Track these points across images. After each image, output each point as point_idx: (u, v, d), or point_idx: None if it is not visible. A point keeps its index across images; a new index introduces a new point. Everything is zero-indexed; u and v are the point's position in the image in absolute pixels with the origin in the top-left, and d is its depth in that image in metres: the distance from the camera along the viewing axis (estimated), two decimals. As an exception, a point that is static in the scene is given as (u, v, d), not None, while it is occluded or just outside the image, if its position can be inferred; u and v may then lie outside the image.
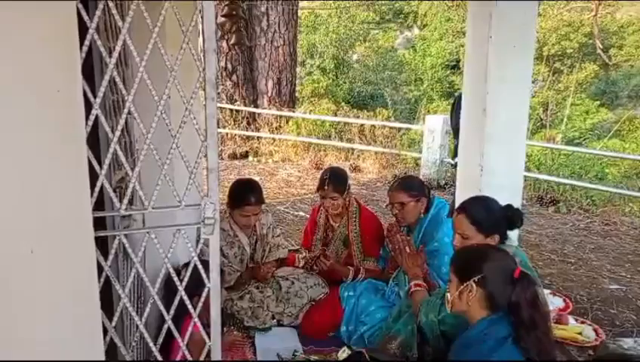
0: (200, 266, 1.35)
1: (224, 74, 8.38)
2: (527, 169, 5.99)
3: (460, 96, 3.92)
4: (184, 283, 1.36)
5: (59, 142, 1.04)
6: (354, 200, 3.13)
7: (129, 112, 1.28)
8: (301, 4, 12.46)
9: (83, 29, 1.09)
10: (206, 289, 1.36)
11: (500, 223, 2.15)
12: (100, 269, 1.24)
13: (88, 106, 1.16)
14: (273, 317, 2.87)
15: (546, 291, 2.81)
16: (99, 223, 1.24)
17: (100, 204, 1.39)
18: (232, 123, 8.44)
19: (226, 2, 7.99)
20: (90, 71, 1.63)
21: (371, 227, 3.10)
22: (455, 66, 14.29)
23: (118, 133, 1.21)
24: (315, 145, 8.06)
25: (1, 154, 0.95)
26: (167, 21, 1.27)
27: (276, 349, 2.54)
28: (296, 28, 8.97)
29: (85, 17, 1.11)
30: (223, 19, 8.00)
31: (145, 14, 1.20)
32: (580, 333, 2.79)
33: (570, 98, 10.27)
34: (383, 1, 17.38)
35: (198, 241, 1.41)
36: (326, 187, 2.96)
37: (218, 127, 1.38)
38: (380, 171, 7.30)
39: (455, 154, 3.93)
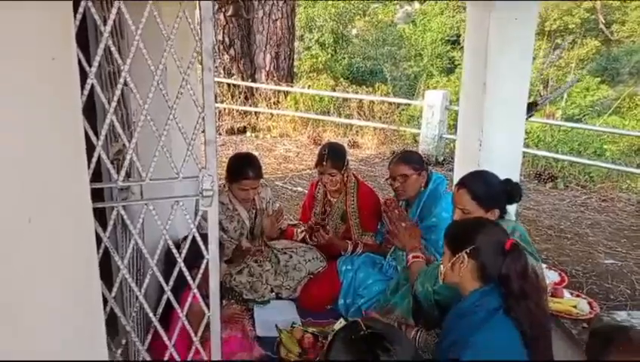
0: (199, 238, 1.35)
1: (221, 47, 8.27)
2: (526, 145, 5.98)
3: None
4: (183, 255, 1.37)
5: (55, 110, 1.02)
6: (352, 176, 3.13)
7: (125, 83, 1.26)
8: (300, -24, 12.23)
9: (77, -3, 1.07)
10: (205, 261, 1.36)
11: (499, 198, 2.16)
12: (99, 242, 1.24)
13: (84, 77, 1.14)
14: (272, 291, 2.90)
15: (542, 265, 2.84)
16: (97, 196, 1.24)
17: (97, 177, 1.39)
18: (230, 98, 8.36)
19: (224, -27, 7.84)
20: (85, 41, 1.60)
21: (369, 202, 3.11)
22: (455, 42, 14.11)
23: (114, 104, 1.20)
24: (314, 120, 8.01)
25: (-3, 123, 0.93)
26: (163, -11, 1.24)
27: (275, 321, 2.57)
28: (294, 1, 8.83)
29: (79, -16, 1.09)
30: (220, -10, 7.86)
31: (140, -19, 1.17)
32: (574, 306, 2.83)
33: (571, 74, 10.19)
34: (383, -26, 17.06)
35: (196, 214, 1.41)
36: (324, 163, 2.96)
37: (215, 102, 1.37)
38: (379, 147, 7.28)
39: None
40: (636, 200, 5.26)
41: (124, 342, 1.41)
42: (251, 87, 8.48)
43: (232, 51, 8.34)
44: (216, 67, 7.99)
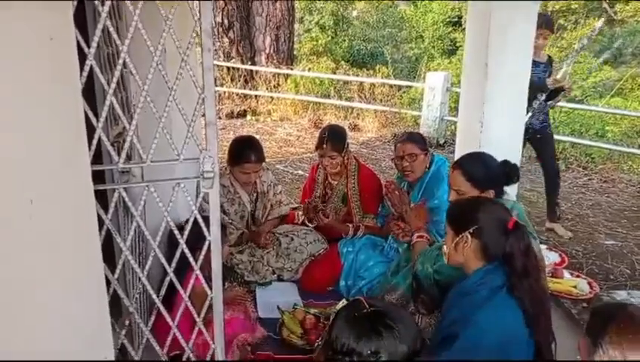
0: (200, 220, 1.35)
1: (220, 30, 8.19)
2: (527, 127, 5.95)
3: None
4: (185, 237, 1.37)
5: (54, 91, 1.02)
6: (353, 159, 3.12)
7: (124, 65, 1.25)
8: (299, -43, 12.05)
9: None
10: (207, 243, 1.37)
11: (495, 179, 2.15)
12: (101, 224, 1.25)
13: (82, 59, 1.13)
14: (273, 273, 2.92)
15: (543, 246, 2.85)
16: (98, 179, 1.24)
17: (98, 159, 1.39)
18: (230, 81, 8.32)
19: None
20: (83, 22, 1.59)
21: (370, 185, 3.11)
22: (457, 23, 13.93)
23: (113, 86, 1.19)
24: (314, 103, 7.98)
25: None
26: (161, -32, 1.22)
27: (276, 303, 2.59)
28: (294, -18, 8.73)
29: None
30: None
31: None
32: (574, 287, 2.84)
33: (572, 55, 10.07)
34: (384, -46, 16.80)
35: (197, 196, 1.41)
36: (325, 145, 2.95)
37: (215, 86, 1.36)
38: (379, 130, 7.26)
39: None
40: (637, 181, 5.26)
41: (127, 323, 1.42)
42: (251, 70, 8.43)
43: (231, 34, 8.27)
44: (215, 50, 7.93)
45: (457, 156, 3.07)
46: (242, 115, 8.12)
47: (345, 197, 3.11)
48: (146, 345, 1.43)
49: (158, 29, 1.25)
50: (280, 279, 2.93)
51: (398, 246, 2.85)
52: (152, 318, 1.45)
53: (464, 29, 6.17)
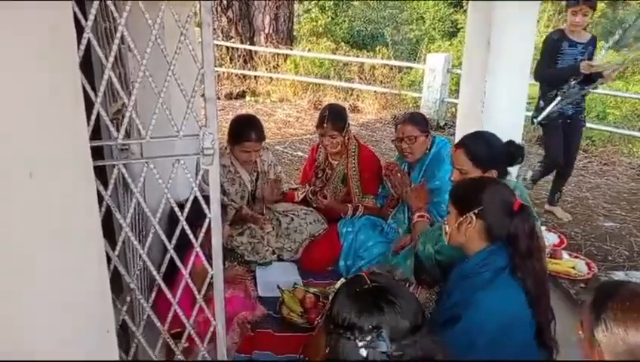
0: (200, 198, 1.35)
1: (219, 9, 8.09)
2: (528, 110, 5.91)
3: (553, 39, 3.69)
4: (185, 214, 1.37)
5: (51, 65, 1.00)
6: (353, 139, 3.11)
7: (122, 40, 1.23)
8: None
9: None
10: (207, 221, 1.36)
11: (498, 159, 2.14)
12: (100, 201, 1.24)
13: (79, 33, 1.11)
14: (273, 253, 2.92)
15: (542, 228, 2.85)
16: (97, 156, 1.23)
17: (97, 135, 1.37)
18: (229, 61, 8.24)
19: None
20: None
21: (370, 165, 3.10)
22: (458, 4, 13.75)
23: (111, 59, 1.17)
24: (314, 84, 7.92)
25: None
26: (159, -62, 1.20)
27: (276, 282, 2.60)
28: (293, -39, 8.60)
29: None
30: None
31: None
32: (573, 267, 2.86)
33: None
34: None
35: (197, 174, 1.40)
36: (325, 124, 2.93)
37: (214, 66, 1.34)
38: (379, 112, 7.22)
39: (538, 111, 3.74)
40: (637, 164, 5.26)
41: (128, 299, 1.42)
42: (250, 51, 8.35)
43: (230, 13, 8.17)
44: (214, 29, 7.83)
45: (458, 137, 3.05)
46: (241, 95, 8.06)
47: (345, 178, 3.10)
48: (147, 321, 1.44)
49: (156, 3, 1.22)
50: (280, 259, 2.94)
51: (397, 226, 2.86)
52: (153, 295, 1.45)
53: (465, 10, 6.10)
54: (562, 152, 3.72)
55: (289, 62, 8.36)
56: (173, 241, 1.37)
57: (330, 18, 12.25)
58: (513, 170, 3.28)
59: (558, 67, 3.64)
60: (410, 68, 7.98)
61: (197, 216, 1.37)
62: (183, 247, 1.41)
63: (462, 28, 11.21)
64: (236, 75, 8.20)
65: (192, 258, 1.41)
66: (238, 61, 8.27)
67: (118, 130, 1.26)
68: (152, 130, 1.26)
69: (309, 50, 8.87)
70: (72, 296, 1.11)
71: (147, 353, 1.44)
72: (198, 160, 1.32)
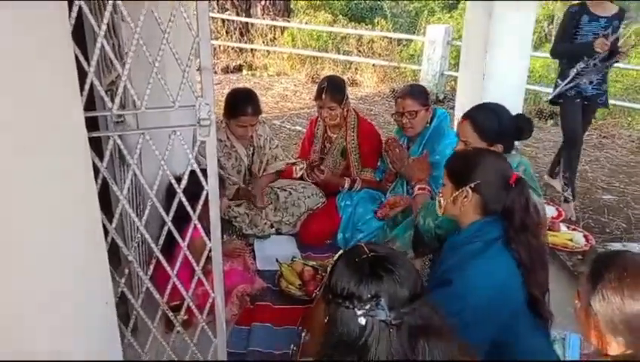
0: (198, 170, 1.33)
1: (214, -20, 7.92)
2: (527, 83, 5.87)
3: (571, 11, 3.39)
4: (183, 187, 1.35)
5: (43, 34, 0.97)
6: (352, 111, 3.07)
7: (115, 10, 1.20)
8: None
9: None
10: (204, 193, 1.35)
11: (505, 133, 2.08)
12: (96, 173, 1.22)
13: (71, 1, 1.08)
14: (272, 226, 2.92)
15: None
16: (92, 128, 1.21)
17: (91, 106, 1.35)
18: (225, 34, 8.11)
19: None
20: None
21: (370, 138, 3.07)
22: (459, -25, 13.50)
23: (104, 27, 1.14)
24: (312, 58, 7.81)
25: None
26: None
27: (275, 255, 2.61)
28: None
29: None
30: None
31: None
32: (570, 240, 2.88)
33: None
34: None
35: (194, 146, 1.38)
36: (324, 96, 2.89)
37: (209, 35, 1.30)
38: (378, 85, 7.15)
39: (565, 84, 3.39)
40: (636, 136, 5.24)
41: (126, 271, 1.42)
42: (246, 23, 8.20)
43: (225, -16, 8.00)
44: (209, 1, 7.67)
45: (458, 110, 3.03)
46: (238, 69, 7.96)
47: (344, 151, 3.08)
48: (146, 294, 1.44)
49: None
50: (278, 232, 2.95)
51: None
52: (151, 268, 1.45)
53: (466, -21, 5.97)
54: (580, 134, 3.49)
55: (286, 35, 8.23)
56: (171, 214, 1.37)
57: (328, -10, 12.01)
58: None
59: (576, 43, 3.37)
60: (410, 40, 7.87)
61: (195, 190, 1.36)
62: (182, 220, 1.40)
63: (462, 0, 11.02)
64: (232, 49, 8.08)
65: (190, 231, 1.41)
66: (234, 34, 8.14)
67: (112, 101, 1.23)
68: (146, 100, 1.24)
69: (306, 22, 8.72)
70: (69, 268, 1.10)
71: (146, 325, 1.44)
72: (195, 134, 1.30)
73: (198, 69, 1.24)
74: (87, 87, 1.16)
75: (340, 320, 1.03)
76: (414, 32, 8.45)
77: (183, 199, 1.35)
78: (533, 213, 1.62)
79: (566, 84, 3.38)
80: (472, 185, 1.61)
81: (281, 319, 2.26)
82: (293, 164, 3.25)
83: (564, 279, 2.58)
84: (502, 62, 2.80)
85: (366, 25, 9.28)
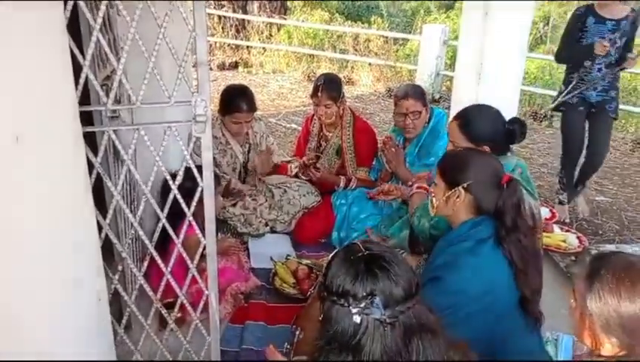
0: (193, 167, 1.32)
1: (211, -24, 7.89)
2: (522, 84, 5.88)
3: (576, 13, 3.25)
4: (178, 183, 1.34)
5: (37, 26, 0.96)
6: (348, 110, 3.07)
7: (110, 3, 1.19)
8: None
9: None
10: (199, 189, 1.34)
11: (493, 135, 2.07)
12: (90, 169, 1.21)
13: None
14: (266, 224, 2.91)
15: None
16: (86, 123, 1.19)
17: (86, 100, 1.34)
18: (221, 31, 8.08)
19: None
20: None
21: (365, 137, 3.07)
22: (455, -25, 13.52)
23: (99, 20, 1.13)
24: (308, 56, 7.81)
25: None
26: None
27: (269, 254, 2.60)
28: None
29: None
30: None
31: None
32: (563, 241, 2.89)
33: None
34: None
35: (189, 142, 1.37)
36: (319, 94, 2.88)
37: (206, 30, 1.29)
38: (374, 84, 7.15)
39: (567, 92, 3.28)
40: (630, 139, 5.27)
41: (120, 268, 1.41)
42: (243, 20, 8.18)
43: (222, -19, 7.98)
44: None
45: (453, 110, 3.02)
46: (234, 66, 7.93)
47: (339, 150, 3.08)
48: (140, 291, 1.43)
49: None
50: (273, 231, 2.93)
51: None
52: (145, 264, 1.44)
53: (463, -20, 5.98)
54: (580, 144, 3.36)
55: (282, 33, 8.22)
56: (166, 211, 1.36)
57: (324, -12, 12.00)
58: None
59: (577, 46, 3.22)
60: (406, 40, 7.87)
61: (191, 189, 1.35)
62: (176, 217, 1.39)
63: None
64: (228, 45, 8.06)
65: (185, 228, 1.40)
66: (230, 30, 8.11)
67: (107, 96, 1.22)
68: (142, 95, 1.23)
69: (302, 20, 8.71)
70: (61, 264, 1.09)
71: (140, 322, 1.43)
72: (190, 133, 1.29)
73: (193, 66, 1.23)
74: (82, 81, 1.15)
75: (334, 318, 1.02)
76: (410, 32, 8.46)
77: (178, 196, 1.34)
78: (526, 214, 1.63)
79: (568, 92, 3.26)
80: (465, 185, 1.62)
81: (275, 317, 2.25)
82: (288, 162, 3.24)
83: (557, 280, 2.59)
84: (498, 62, 2.80)
85: (362, 23, 9.29)
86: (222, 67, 7.77)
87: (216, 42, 7.96)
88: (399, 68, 7.25)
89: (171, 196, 1.34)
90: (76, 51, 1.12)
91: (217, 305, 1.47)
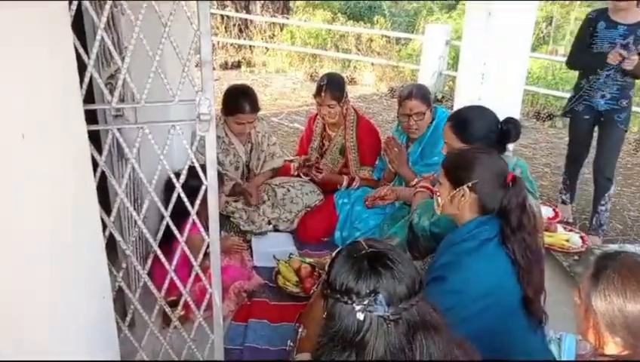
0: (197, 166, 1.33)
1: (214, -24, 7.90)
2: (526, 84, 5.87)
3: (588, 17, 3.13)
4: (181, 182, 1.35)
5: (42, 25, 0.97)
6: (352, 109, 3.07)
7: (114, 2, 1.19)
8: None
9: None
10: (203, 187, 1.35)
11: (484, 134, 2.04)
12: (95, 167, 1.22)
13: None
14: (269, 223, 2.92)
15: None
16: (91, 121, 1.20)
17: (91, 99, 1.34)
18: (224, 30, 8.09)
19: None
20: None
21: (369, 137, 3.07)
22: (458, -25, 13.50)
23: (104, 19, 1.13)
24: (311, 55, 7.80)
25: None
26: None
27: (272, 252, 2.60)
28: None
29: None
30: None
31: None
32: (567, 240, 2.89)
33: (575, 12, 9.84)
34: None
35: (193, 142, 1.38)
36: (323, 94, 2.89)
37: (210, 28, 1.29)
38: (377, 84, 7.15)
39: (575, 99, 3.18)
40: (633, 138, 5.25)
41: (124, 266, 1.42)
42: (245, 20, 8.19)
43: (224, -20, 7.98)
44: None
45: (455, 109, 3.02)
46: (237, 66, 7.93)
47: (343, 149, 3.08)
48: (144, 289, 1.44)
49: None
50: (276, 229, 2.94)
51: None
52: (149, 262, 1.45)
53: (466, -20, 5.98)
54: (584, 149, 3.32)
55: (285, 32, 8.22)
56: (170, 209, 1.36)
57: (327, -12, 12.00)
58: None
59: (588, 53, 3.08)
60: (409, 39, 7.86)
61: (195, 187, 1.35)
62: (180, 216, 1.40)
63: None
64: (231, 45, 8.06)
65: (189, 227, 1.40)
66: (233, 30, 8.12)
67: (111, 95, 1.23)
68: (146, 94, 1.24)
69: (305, 20, 8.71)
70: (66, 261, 1.10)
71: (143, 320, 1.44)
72: (194, 132, 1.30)
73: (196, 65, 1.23)
74: (86, 79, 1.16)
75: (337, 315, 1.03)
76: (413, 32, 8.46)
77: (182, 195, 1.34)
78: (529, 212, 1.63)
79: (576, 99, 3.19)
80: (470, 184, 1.62)
81: (278, 316, 2.26)
82: (291, 161, 3.25)
83: (560, 280, 2.59)
84: (500, 62, 2.80)
85: (365, 23, 9.29)
86: (224, 67, 7.77)
87: (219, 42, 7.97)
88: (402, 68, 7.24)
89: (175, 195, 1.34)
90: (81, 50, 1.12)
91: (221, 303, 1.48)
